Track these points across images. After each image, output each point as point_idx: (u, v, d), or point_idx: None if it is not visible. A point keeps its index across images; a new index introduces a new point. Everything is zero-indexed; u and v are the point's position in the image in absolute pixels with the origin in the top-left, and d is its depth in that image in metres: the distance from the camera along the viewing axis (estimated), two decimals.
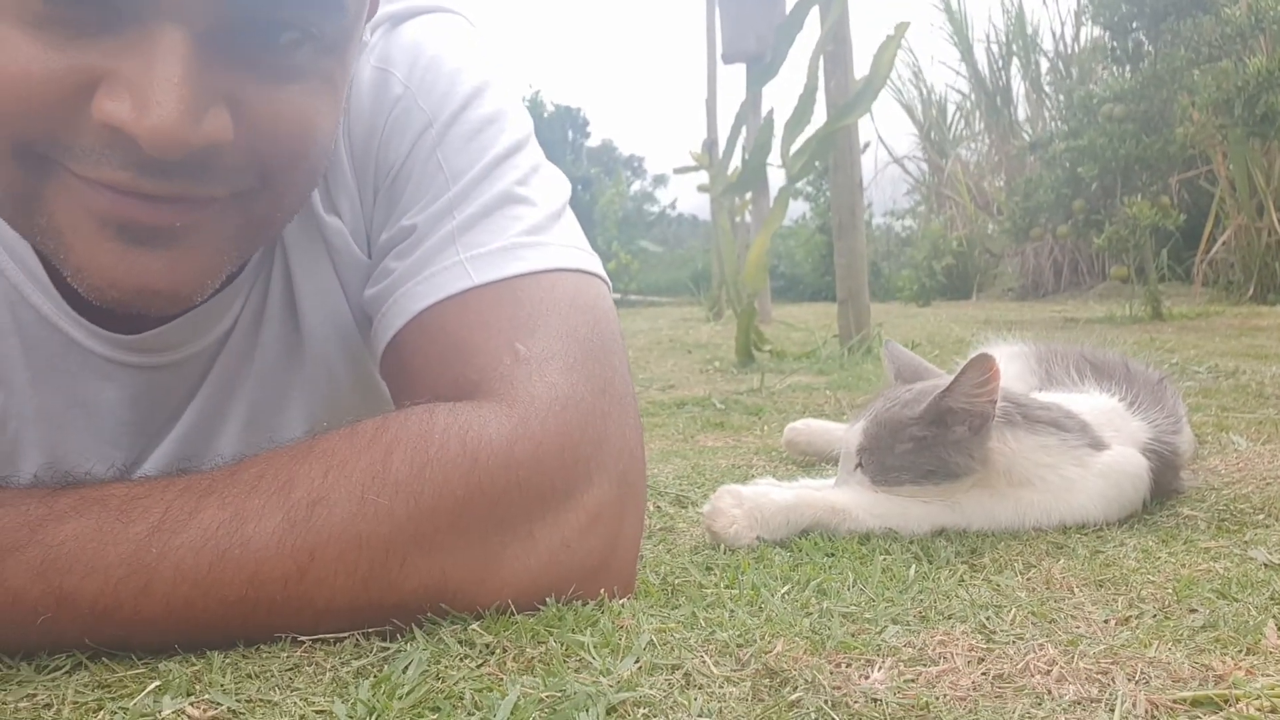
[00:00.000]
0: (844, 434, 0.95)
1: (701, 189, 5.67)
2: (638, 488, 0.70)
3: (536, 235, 0.74)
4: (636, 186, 13.39)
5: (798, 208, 9.09)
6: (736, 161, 3.54)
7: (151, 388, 0.78)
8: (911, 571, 0.73)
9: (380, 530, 0.60)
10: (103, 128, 0.56)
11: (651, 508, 1.06)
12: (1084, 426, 0.90)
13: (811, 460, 1.38)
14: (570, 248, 0.76)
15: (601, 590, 0.66)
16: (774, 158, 3.28)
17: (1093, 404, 0.96)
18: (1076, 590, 0.70)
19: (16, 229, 0.64)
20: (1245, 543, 0.79)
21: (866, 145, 7.77)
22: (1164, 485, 0.95)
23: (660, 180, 13.96)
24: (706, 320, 6.06)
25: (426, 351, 0.72)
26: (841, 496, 0.88)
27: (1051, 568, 0.76)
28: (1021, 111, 8.05)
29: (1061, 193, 5.02)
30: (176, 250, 0.61)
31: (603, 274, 0.78)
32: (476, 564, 0.62)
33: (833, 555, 0.81)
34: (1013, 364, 1.12)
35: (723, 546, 0.84)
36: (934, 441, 0.87)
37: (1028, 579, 0.73)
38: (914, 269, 7.15)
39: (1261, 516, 0.90)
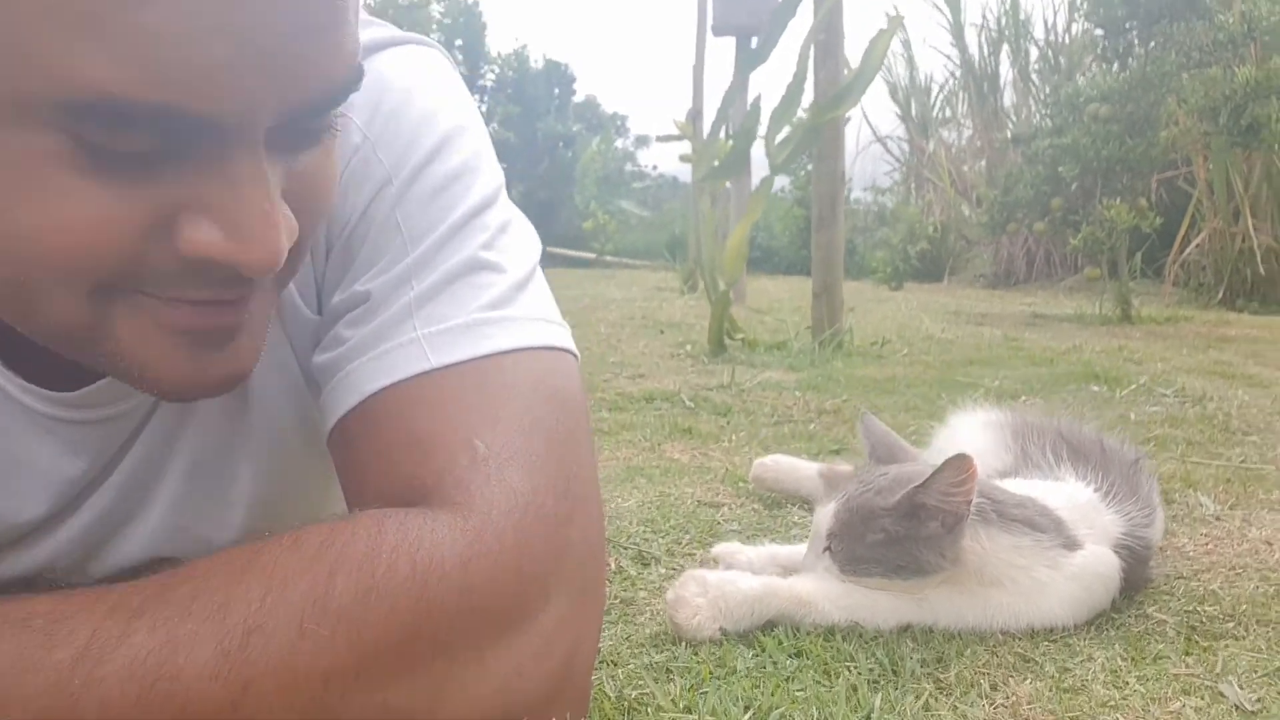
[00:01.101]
0: (815, 514, 0.92)
1: (683, 159, 5.60)
2: (597, 598, 0.67)
3: (501, 309, 0.70)
4: (619, 145, 13.22)
5: (777, 180, 9.02)
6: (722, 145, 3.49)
7: (91, 440, 0.75)
8: (877, 700, 0.70)
9: (319, 664, 0.56)
10: (191, 259, 0.53)
11: (612, 566, 1.03)
12: (1058, 525, 0.88)
13: (778, 498, 1.36)
14: (538, 321, 0.71)
15: (554, 719, 0.63)
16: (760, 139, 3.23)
17: (1068, 496, 0.94)
18: None
19: (66, 353, 0.61)
20: (1216, 672, 0.78)
21: (847, 119, 7.69)
22: (1134, 580, 0.94)
23: (642, 141, 13.82)
24: (680, 292, 6.02)
25: (378, 441, 0.67)
26: (808, 587, 0.86)
27: (1018, 690, 0.74)
28: (1008, 98, 8.02)
29: (1041, 190, 5.02)
30: (239, 340, 0.60)
31: (571, 347, 0.73)
32: (421, 695, 0.59)
33: (797, 656, 0.79)
34: (987, 434, 1.10)
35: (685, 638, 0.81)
36: (906, 536, 0.84)
37: (994, 710, 0.71)
38: (889, 250, 7.14)
39: (1231, 624, 0.89)
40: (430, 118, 0.74)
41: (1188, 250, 5.95)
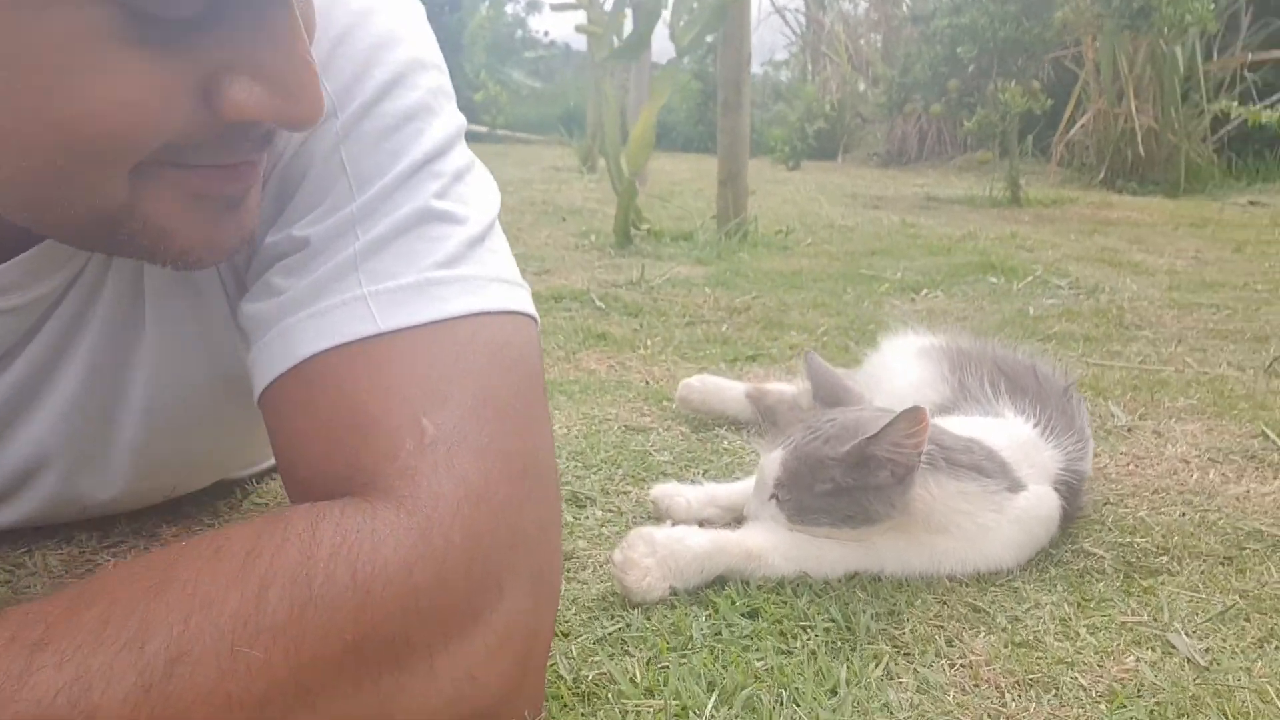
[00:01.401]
0: (761, 460, 0.89)
1: (580, 29, 5.36)
2: (552, 584, 0.63)
3: (456, 266, 0.63)
4: (509, 10, 12.59)
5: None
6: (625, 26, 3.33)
7: None
8: (843, 672, 0.68)
9: (254, 688, 0.50)
10: (236, 123, 0.51)
11: None
12: (1003, 467, 0.87)
13: (705, 420, 1.33)
14: (496, 281, 0.65)
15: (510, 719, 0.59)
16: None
17: (1011, 435, 0.93)
18: (1006, 692, 0.68)
19: (80, 241, 0.59)
20: (1163, 620, 0.78)
21: None
22: (1069, 513, 0.94)
23: (534, 6, 13.18)
24: (579, 172, 5.88)
25: (315, 413, 0.60)
26: (756, 540, 0.83)
27: (974, 645, 0.74)
28: None
29: (939, 71, 5.01)
30: (248, 200, 0.58)
31: (531, 310, 0.67)
32: (367, 710, 0.54)
33: (752, 617, 0.76)
34: (923, 364, 1.08)
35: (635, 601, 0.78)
36: (855, 486, 0.82)
37: (954, 672, 0.70)
38: (787, 129, 7.08)
39: (1165, 559, 0.90)
40: (386, 47, 0.66)
41: (1073, 130, 6.07)
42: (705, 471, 1.12)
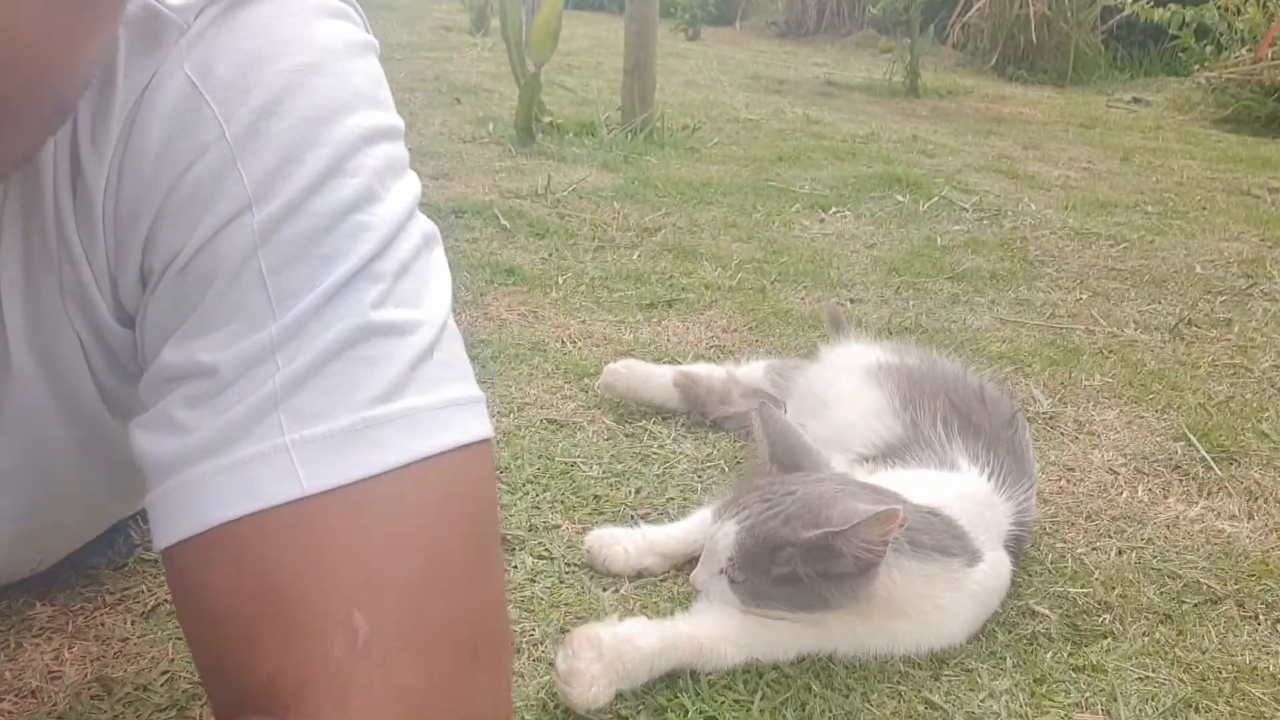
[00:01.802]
0: (713, 530, 0.83)
1: None
2: None
3: (397, 398, 0.51)
4: None
5: None
6: None
7: None
8: None
9: None
10: None
11: None
12: (963, 540, 0.84)
13: (629, 406, 1.26)
14: (447, 407, 0.53)
15: None
16: None
17: (969, 495, 0.88)
18: None
19: None
20: (1115, 713, 0.77)
21: None
22: (1015, 563, 0.92)
23: None
24: (470, 34, 5.52)
25: (229, 595, 0.50)
26: (707, 632, 0.78)
27: None
28: None
29: None
30: None
31: (485, 431, 0.55)
32: None
33: None
34: (874, 391, 1.02)
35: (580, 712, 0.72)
36: (815, 573, 0.77)
37: None
38: None
39: (1108, 618, 0.89)
40: (328, 121, 0.52)
41: (970, 14, 6.04)
42: (638, 490, 1.06)
